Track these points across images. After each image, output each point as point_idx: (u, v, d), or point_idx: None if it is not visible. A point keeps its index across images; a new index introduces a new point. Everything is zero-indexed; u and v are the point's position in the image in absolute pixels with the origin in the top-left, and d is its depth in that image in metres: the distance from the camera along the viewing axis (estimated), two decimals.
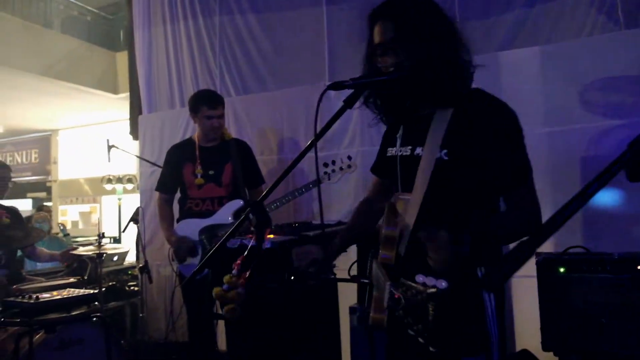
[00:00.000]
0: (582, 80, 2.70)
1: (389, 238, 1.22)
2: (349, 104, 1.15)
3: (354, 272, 2.46)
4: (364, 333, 2.38)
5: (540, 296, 2.10)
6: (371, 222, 1.52)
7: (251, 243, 1.97)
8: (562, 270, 2.09)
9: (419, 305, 0.90)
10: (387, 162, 1.38)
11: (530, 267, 2.16)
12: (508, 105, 1.20)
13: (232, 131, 3.61)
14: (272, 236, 1.91)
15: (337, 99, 3.29)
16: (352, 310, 2.48)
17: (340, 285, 2.73)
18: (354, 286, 2.67)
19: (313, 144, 1.14)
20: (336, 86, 1.13)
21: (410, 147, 1.28)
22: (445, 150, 1.18)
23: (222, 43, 3.98)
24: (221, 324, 2.88)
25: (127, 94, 5.07)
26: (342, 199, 3.23)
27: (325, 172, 2.61)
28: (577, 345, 2.03)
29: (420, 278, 0.93)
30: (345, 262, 2.70)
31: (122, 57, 7.71)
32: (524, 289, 2.47)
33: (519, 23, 2.94)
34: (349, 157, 2.67)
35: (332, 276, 2.53)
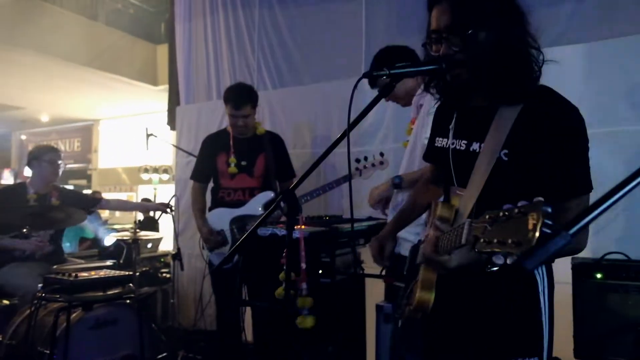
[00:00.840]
0: (629, 80, 2.59)
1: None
2: (384, 93, 1.14)
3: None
4: (390, 330, 2.37)
5: (575, 302, 2.03)
6: (422, 210, 1.50)
7: (285, 232, 1.99)
8: (599, 276, 2.01)
9: (516, 218, 0.79)
10: (437, 152, 1.30)
11: (565, 274, 2.09)
12: (578, 110, 1.11)
13: (267, 124, 3.64)
14: (302, 227, 1.91)
15: (373, 93, 3.28)
16: (378, 308, 2.47)
17: (367, 282, 2.72)
18: (381, 284, 2.67)
19: (346, 134, 1.13)
20: (372, 77, 1.12)
21: (465, 142, 1.20)
22: (505, 151, 1.11)
23: (261, 36, 4.01)
24: (248, 314, 2.92)
25: (166, 86, 5.19)
26: None
27: (357, 168, 2.59)
28: (612, 354, 1.96)
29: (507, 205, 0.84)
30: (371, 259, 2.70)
31: (162, 50, 7.90)
32: (557, 294, 2.39)
33: (568, 18, 2.84)
34: (381, 154, 2.64)
35: (361, 272, 2.54)
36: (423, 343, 1.35)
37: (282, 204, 1.33)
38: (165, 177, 8.40)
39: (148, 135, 3.87)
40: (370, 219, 2.43)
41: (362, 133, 3.35)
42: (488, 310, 1.16)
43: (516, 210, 0.80)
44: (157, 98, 8.46)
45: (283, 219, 2.19)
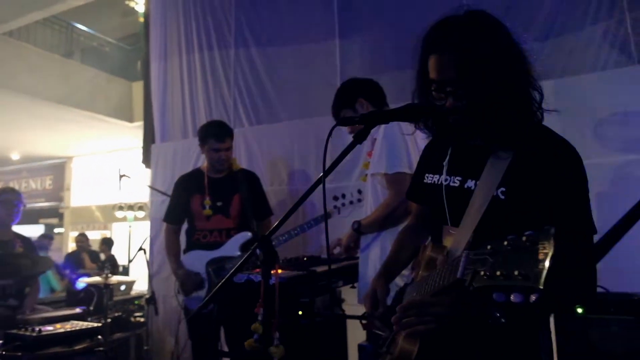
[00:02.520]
0: (597, 114, 2.68)
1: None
2: (358, 139, 1.13)
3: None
4: None
5: (557, 337, 2.01)
6: (415, 253, 1.39)
7: (260, 279, 1.94)
8: (580, 310, 2.00)
9: (523, 249, 0.72)
10: (427, 189, 1.26)
11: None
12: (576, 150, 1.09)
13: (243, 161, 3.62)
14: (280, 271, 1.87)
15: (347, 131, 3.28)
16: (360, 348, 2.41)
17: (348, 322, 2.66)
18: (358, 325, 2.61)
19: (322, 180, 1.12)
20: (345, 122, 1.12)
21: (459, 178, 1.17)
22: (502, 189, 1.08)
23: (237, 74, 4.03)
24: None
25: (142, 123, 5.14)
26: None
27: (335, 206, 2.57)
28: None
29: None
30: (354, 298, 2.65)
31: (138, 87, 7.89)
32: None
33: (532, 57, 2.94)
34: (359, 191, 2.64)
35: (341, 312, 2.48)
36: None
37: (258, 251, 1.29)
38: (141, 214, 8.22)
39: (121, 177, 3.79)
40: (349, 258, 2.40)
41: (339, 170, 3.29)
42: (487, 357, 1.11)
43: (524, 239, 0.74)
44: (132, 134, 8.39)
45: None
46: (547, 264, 0.68)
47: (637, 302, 1.97)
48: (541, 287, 0.69)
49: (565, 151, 1.09)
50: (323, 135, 3.93)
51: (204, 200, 2.85)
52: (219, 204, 2.85)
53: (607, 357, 1.91)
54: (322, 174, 1.19)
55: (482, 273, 0.78)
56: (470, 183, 1.15)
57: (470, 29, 1.08)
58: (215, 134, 2.84)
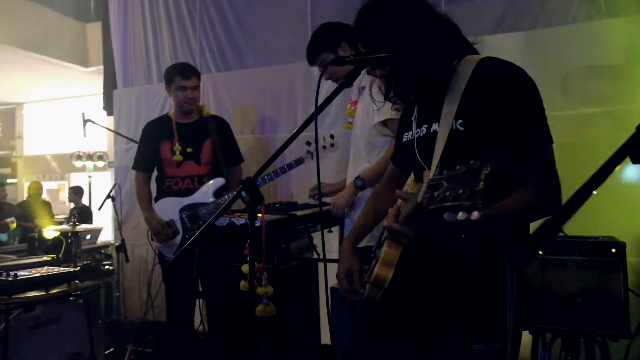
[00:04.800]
0: (564, 67, 2.75)
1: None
2: (349, 79, 1.15)
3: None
4: (346, 312, 2.41)
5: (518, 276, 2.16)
6: (382, 216, 1.43)
7: (243, 222, 1.95)
8: (540, 252, 2.14)
9: (471, 171, 0.77)
10: (404, 148, 1.34)
11: None
12: (522, 68, 1.16)
13: (212, 108, 3.53)
14: (259, 215, 1.88)
15: (323, 80, 3.23)
16: (333, 290, 2.50)
17: (319, 265, 2.74)
18: (333, 267, 2.70)
19: (314, 118, 1.13)
20: (338, 61, 1.12)
21: (426, 126, 1.25)
22: (460, 120, 1.15)
23: (202, 17, 3.86)
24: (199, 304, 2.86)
25: (98, 68, 4.90)
26: (323, 179, 3.21)
27: (308, 151, 2.58)
28: (552, 324, 2.10)
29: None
30: (328, 243, 2.72)
31: (93, 29, 7.39)
32: None
33: (505, 7, 2.96)
34: (332, 136, 2.65)
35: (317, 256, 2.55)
36: (379, 326, 1.36)
37: (243, 193, 1.29)
38: (101, 164, 7.96)
39: (85, 121, 3.63)
40: (325, 204, 2.44)
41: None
42: (451, 293, 1.19)
43: (471, 162, 0.79)
44: (88, 80, 7.94)
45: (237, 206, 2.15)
46: (487, 181, 0.73)
47: (592, 244, 2.12)
48: (480, 201, 0.75)
49: (512, 72, 1.16)
50: (293, 83, 3.90)
51: (173, 146, 2.78)
52: (189, 150, 2.79)
53: (562, 291, 2.08)
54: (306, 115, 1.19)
55: (436, 195, 0.84)
56: (435, 126, 1.22)
57: (365, 9, 1.24)
58: (181, 71, 2.79)
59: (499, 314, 1.12)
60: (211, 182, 2.74)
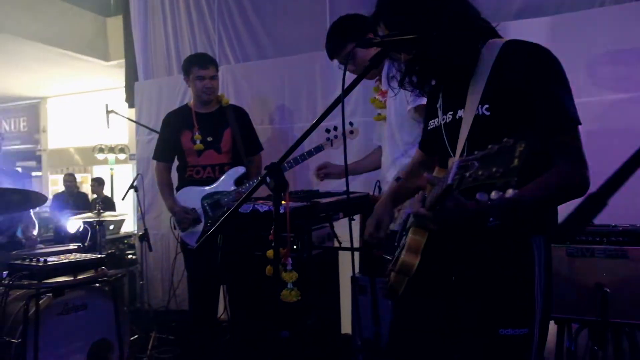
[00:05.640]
0: (591, 52, 2.67)
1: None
2: (375, 62, 1.13)
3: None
4: (368, 302, 2.41)
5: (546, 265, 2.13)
6: (412, 194, 1.47)
7: (266, 208, 1.96)
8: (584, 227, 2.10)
9: (504, 150, 0.75)
10: (431, 135, 1.34)
11: None
12: (548, 49, 1.14)
13: (232, 99, 3.53)
14: (283, 202, 1.88)
15: (340, 66, 3.23)
16: (354, 280, 2.50)
17: (341, 255, 2.74)
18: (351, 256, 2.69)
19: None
20: (364, 43, 1.10)
21: (451, 113, 1.24)
22: (486, 105, 1.14)
23: (221, 8, 3.87)
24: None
25: (119, 61, 4.96)
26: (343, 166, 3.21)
27: (328, 138, 2.58)
28: (578, 314, 2.07)
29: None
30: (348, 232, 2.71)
31: (113, 23, 7.48)
32: None
33: None
34: (351, 123, 2.64)
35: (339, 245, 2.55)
36: (406, 314, 1.35)
37: (268, 179, 1.30)
38: (122, 156, 8.09)
39: (108, 112, 3.68)
40: (345, 192, 2.43)
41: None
42: (476, 277, 1.17)
43: (504, 140, 0.77)
44: (109, 74, 8.05)
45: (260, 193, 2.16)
46: (523, 157, 0.70)
47: (621, 232, 2.07)
48: (515, 178, 0.73)
49: (537, 52, 1.13)
50: (312, 72, 3.87)
51: (194, 136, 2.82)
52: (209, 139, 2.82)
53: (590, 282, 2.04)
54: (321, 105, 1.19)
55: (467, 175, 0.82)
56: (460, 112, 1.20)
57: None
58: (198, 62, 2.82)
59: (527, 299, 1.10)
60: (232, 170, 2.76)
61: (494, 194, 0.75)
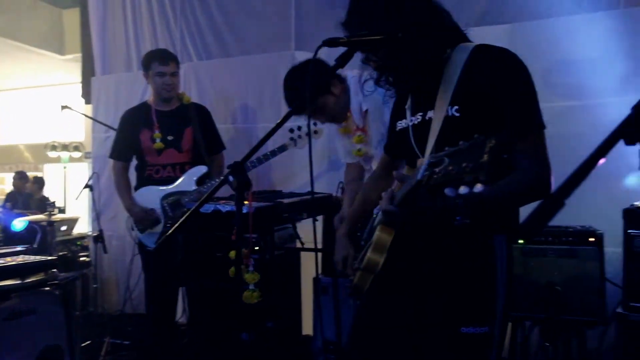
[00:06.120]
0: (546, 60, 2.78)
1: None
2: (341, 62, 1.13)
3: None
4: (330, 302, 2.41)
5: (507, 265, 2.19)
6: (375, 206, 1.46)
7: (229, 208, 1.92)
8: (521, 240, 2.18)
9: (474, 145, 0.76)
10: (398, 136, 1.34)
11: None
12: (516, 55, 1.17)
13: (194, 97, 3.46)
14: (246, 202, 1.86)
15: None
16: (316, 280, 2.49)
17: (303, 255, 2.73)
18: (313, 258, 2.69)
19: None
20: (331, 43, 1.10)
21: (421, 114, 1.25)
22: (456, 107, 1.16)
23: (184, 4, 3.79)
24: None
25: (75, 55, 4.78)
26: (306, 166, 3.19)
27: (291, 138, 2.58)
28: (531, 311, 2.14)
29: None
30: (311, 233, 2.70)
31: (69, 15, 7.19)
32: None
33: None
34: (315, 123, 2.64)
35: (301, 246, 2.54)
36: (369, 312, 1.36)
37: (230, 178, 1.27)
38: (77, 154, 7.78)
39: (63, 107, 3.53)
40: (309, 193, 2.42)
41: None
42: (439, 274, 1.19)
43: (475, 136, 0.78)
44: (65, 68, 7.74)
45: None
46: (493, 153, 0.71)
47: (571, 233, 2.16)
48: (484, 176, 0.74)
49: (506, 58, 1.17)
50: (278, 72, 3.84)
51: (153, 134, 2.75)
52: (169, 137, 2.76)
53: (542, 279, 2.11)
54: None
55: (437, 171, 0.83)
56: (430, 113, 1.22)
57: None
58: (158, 57, 2.74)
59: (488, 298, 1.13)
60: (193, 169, 2.71)
61: (462, 189, 0.75)
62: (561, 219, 2.27)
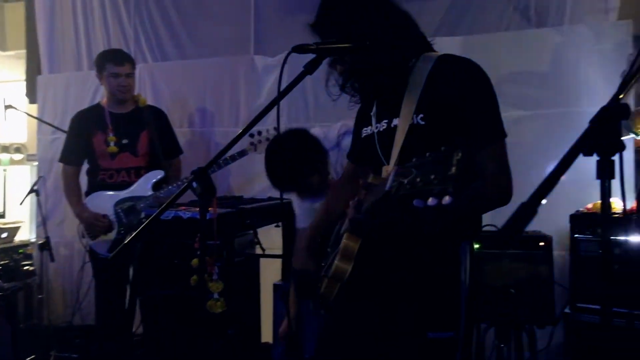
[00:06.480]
0: (498, 72, 2.90)
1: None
2: (310, 69, 1.13)
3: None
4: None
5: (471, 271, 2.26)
6: (339, 216, 1.41)
7: (190, 215, 1.87)
8: (477, 246, 2.25)
9: (441, 157, 0.79)
10: (363, 143, 1.34)
11: None
12: (479, 65, 1.21)
13: (149, 100, 3.36)
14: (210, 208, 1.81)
15: (264, 71, 3.26)
16: (276, 287, 2.47)
17: (262, 262, 2.71)
18: (276, 263, 2.67)
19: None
20: (300, 49, 1.10)
21: (386, 121, 1.26)
22: (421, 115, 1.18)
23: (139, 2, 3.67)
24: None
25: (18, 52, 4.52)
26: (262, 171, 3.17)
27: (252, 143, 2.56)
28: (487, 314, 2.22)
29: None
30: (273, 240, 2.68)
31: (12, 9, 6.77)
32: None
33: (444, 12, 3.07)
34: (275, 128, 2.62)
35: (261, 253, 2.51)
36: (337, 319, 1.35)
37: (194, 184, 1.24)
38: (18, 156, 7.33)
39: (7, 107, 3.33)
40: (270, 198, 2.41)
41: (255, 112, 3.26)
42: (406, 282, 1.21)
43: (442, 149, 0.81)
44: (6, 65, 7.28)
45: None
46: (460, 166, 0.75)
47: (524, 238, 2.26)
48: (452, 188, 0.77)
49: (468, 67, 1.21)
50: (237, 76, 3.79)
51: (107, 137, 2.66)
52: (124, 141, 2.68)
53: (496, 282, 2.20)
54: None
55: (405, 182, 0.85)
56: (396, 121, 1.23)
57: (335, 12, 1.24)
58: (112, 58, 2.67)
59: (453, 304, 1.15)
60: (150, 174, 2.64)
61: (430, 201, 0.77)
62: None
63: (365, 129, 1.34)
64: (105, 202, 2.57)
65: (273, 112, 3.53)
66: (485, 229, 2.36)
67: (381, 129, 1.28)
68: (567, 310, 2.16)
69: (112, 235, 2.53)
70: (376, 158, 1.27)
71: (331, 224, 1.45)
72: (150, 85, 3.54)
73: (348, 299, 1.27)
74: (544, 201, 0.77)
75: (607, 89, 2.46)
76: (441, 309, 1.18)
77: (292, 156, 1.73)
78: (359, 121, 1.41)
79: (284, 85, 1.16)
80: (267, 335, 2.75)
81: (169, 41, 3.64)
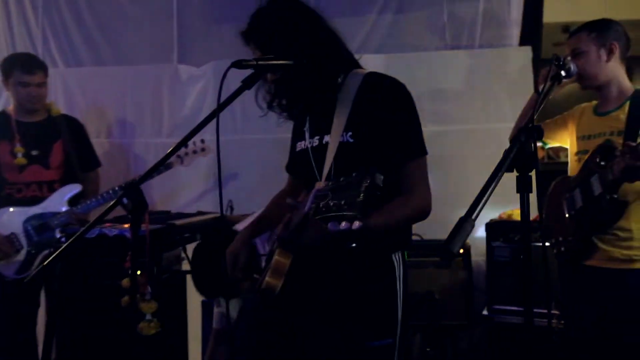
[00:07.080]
0: (417, 88, 3.05)
1: None
2: (247, 84, 1.14)
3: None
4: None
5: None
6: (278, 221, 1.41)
7: (116, 232, 1.75)
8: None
9: (352, 183, 0.84)
10: (298, 157, 1.37)
11: None
12: (401, 83, 1.28)
13: (61, 108, 3.13)
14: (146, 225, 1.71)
15: (189, 82, 3.15)
16: (205, 304, 2.40)
17: (188, 278, 2.61)
18: None
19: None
20: (239, 64, 1.10)
21: (318, 137, 1.30)
22: (350, 132, 1.22)
23: (48, 1, 3.41)
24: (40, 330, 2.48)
25: None
26: (193, 185, 3.08)
27: (178, 155, 2.48)
28: (413, 319, 2.32)
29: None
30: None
31: None
32: None
33: (369, 31, 3.20)
34: (202, 141, 2.58)
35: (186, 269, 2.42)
36: (266, 335, 1.35)
37: (125, 200, 1.18)
38: None
39: None
40: (200, 213, 2.34)
41: (179, 124, 3.17)
42: (340, 296, 1.23)
43: (353, 175, 0.87)
44: None
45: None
46: (367, 193, 0.81)
47: (444, 246, 2.40)
48: (360, 214, 0.83)
49: (393, 87, 1.28)
50: (159, 85, 3.64)
51: (14, 148, 2.45)
52: (34, 152, 2.48)
53: (423, 290, 2.31)
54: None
55: (321, 206, 0.90)
56: (327, 137, 1.27)
57: (263, 13, 1.27)
58: (22, 65, 2.47)
59: (390, 311, 1.20)
60: (65, 188, 2.45)
61: (343, 225, 0.83)
62: (435, 233, 2.52)
63: (300, 143, 1.37)
64: (12, 219, 2.34)
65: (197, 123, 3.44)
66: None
67: (314, 145, 1.31)
68: (485, 313, 2.33)
69: (21, 255, 2.30)
70: (311, 172, 1.30)
71: (270, 225, 1.45)
72: (63, 92, 3.29)
73: (277, 315, 1.28)
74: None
75: (513, 108, 2.69)
76: (378, 318, 1.22)
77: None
78: (294, 134, 1.44)
79: (208, 98, 1.16)
80: (194, 351, 2.65)
81: (83, 45, 3.41)
